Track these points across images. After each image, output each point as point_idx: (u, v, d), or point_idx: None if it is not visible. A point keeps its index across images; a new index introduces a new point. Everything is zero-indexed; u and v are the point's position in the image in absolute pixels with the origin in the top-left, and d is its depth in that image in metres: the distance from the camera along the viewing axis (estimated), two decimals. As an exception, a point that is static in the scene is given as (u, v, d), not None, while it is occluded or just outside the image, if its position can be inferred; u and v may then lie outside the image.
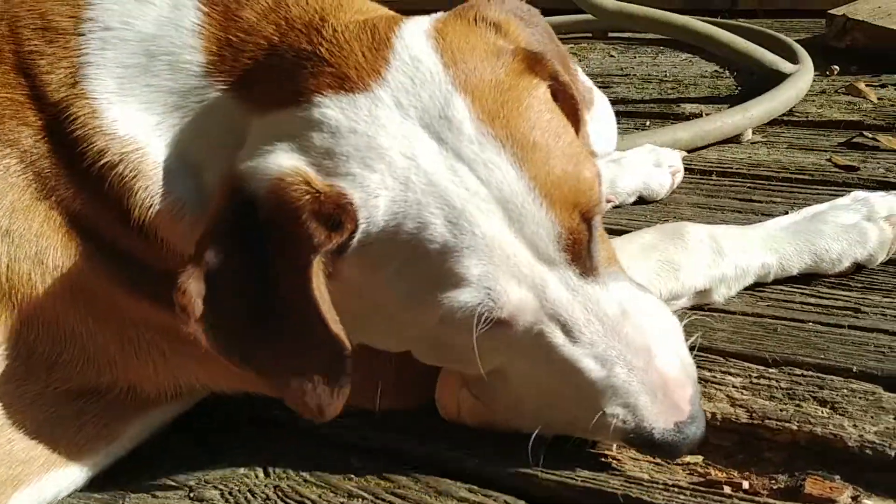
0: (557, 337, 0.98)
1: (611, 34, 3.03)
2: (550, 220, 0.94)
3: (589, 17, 2.77)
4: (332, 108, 0.94)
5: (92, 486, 1.18)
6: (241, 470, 1.18)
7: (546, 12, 3.34)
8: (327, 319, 0.92)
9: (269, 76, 1.00)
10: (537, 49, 1.04)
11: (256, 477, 1.17)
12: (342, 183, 0.92)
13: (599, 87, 2.48)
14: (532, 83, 1.00)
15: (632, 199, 1.76)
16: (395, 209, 0.92)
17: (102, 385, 1.14)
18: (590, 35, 3.05)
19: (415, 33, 1.00)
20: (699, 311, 1.36)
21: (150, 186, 1.02)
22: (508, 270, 0.93)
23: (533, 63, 1.01)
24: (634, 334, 0.99)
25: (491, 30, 1.02)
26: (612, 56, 2.83)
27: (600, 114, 1.17)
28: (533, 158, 0.94)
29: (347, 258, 0.94)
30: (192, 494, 1.15)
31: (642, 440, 1.00)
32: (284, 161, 0.92)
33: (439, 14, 1.04)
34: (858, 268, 1.42)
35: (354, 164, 0.92)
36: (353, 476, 1.14)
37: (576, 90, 1.07)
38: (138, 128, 1.03)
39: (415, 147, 0.93)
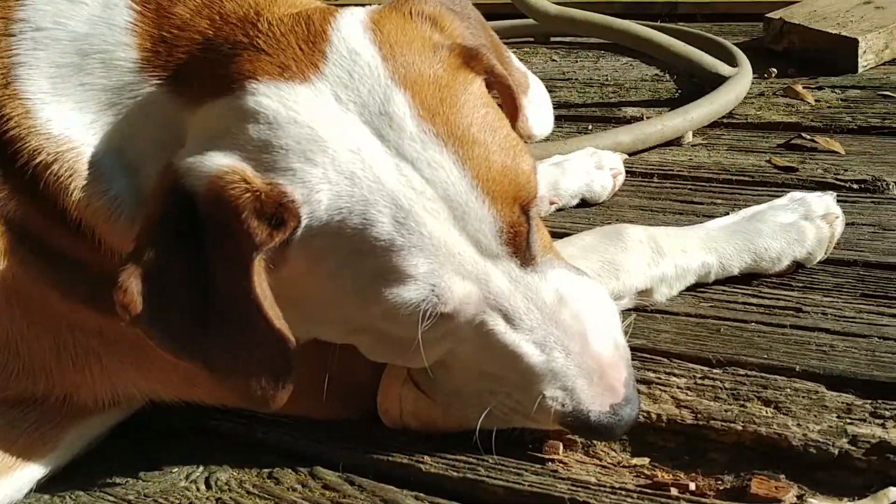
0: (499, 325, 0.99)
1: (552, 39, 3.03)
2: (492, 215, 0.95)
3: (531, 21, 2.78)
4: (269, 98, 0.93)
5: (27, 500, 1.15)
6: (182, 483, 1.16)
7: (488, 17, 3.32)
8: (270, 316, 0.92)
9: (203, 69, 0.98)
10: (472, 43, 1.04)
11: (198, 490, 1.14)
12: (282, 179, 0.90)
13: (542, 91, 2.49)
14: (468, 78, 1.00)
15: (575, 202, 1.76)
16: (340, 204, 0.91)
17: (38, 393, 1.11)
18: (531, 39, 3.06)
19: (352, 25, 0.98)
20: (643, 313, 1.37)
21: (86, 185, 1.00)
22: (453, 267, 0.94)
23: (469, 58, 1.01)
24: (571, 321, 1.01)
25: (427, 23, 1.02)
26: (553, 60, 2.84)
27: (537, 98, 1.18)
28: (474, 155, 0.94)
29: (291, 250, 0.93)
30: (130, 509, 1.12)
31: (579, 423, 1.02)
32: (222, 159, 0.91)
33: (374, 6, 1.03)
34: (798, 267, 1.44)
35: (294, 157, 0.91)
36: (296, 487, 1.12)
37: (511, 79, 1.08)
38: (73, 127, 1.01)
39: (359, 142, 0.92)
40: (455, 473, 1.10)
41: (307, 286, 0.98)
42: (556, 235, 1.50)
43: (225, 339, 0.93)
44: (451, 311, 0.96)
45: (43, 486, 1.16)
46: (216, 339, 0.93)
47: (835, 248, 1.46)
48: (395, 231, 0.92)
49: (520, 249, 0.99)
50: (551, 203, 1.74)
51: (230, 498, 1.12)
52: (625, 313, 1.12)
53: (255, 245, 0.89)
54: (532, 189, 0.99)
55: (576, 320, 1.02)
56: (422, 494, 1.08)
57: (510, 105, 1.09)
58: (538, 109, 1.16)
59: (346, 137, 0.92)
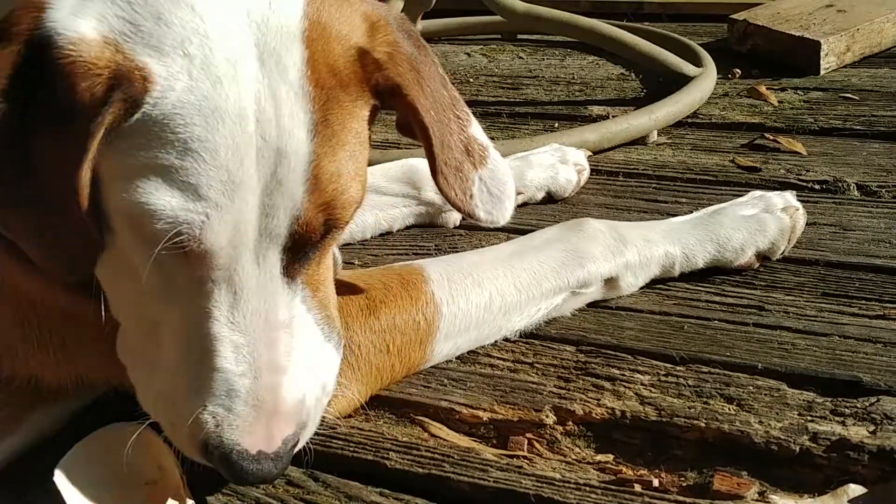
0: (221, 306, 0.91)
1: (520, 36, 3.04)
2: (302, 200, 0.91)
3: (498, 18, 2.78)
4: None
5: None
6: (144, 478, 1.14)
7: (456, 13, 3.33)
8: (84, 205, 0.86)
9: None
10: (399, 76, 0.99)
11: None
12: (147, 58, 0.85)
13: (509, 89, 2.50)
14: (362, 97, 0.96)
15: (540, 195, 1.77)
16: (190, 100, 0.86)
17: (2, 377, 1.10)
18: (499, 37, 3.06)
19: None
20: (608, 309, 1.38)
21: None
22: (234, 218, 0.88)
23: (384, 85, 0.97)
24: (282, 352, 0.94)
25: (362, 20, 0.98)
26: (521, 58, 2.84)
27: (496, 182, 1.08)
28: (327, 141, 0.91)
29: (117, 137, 0.87)
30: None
31: (220, 451, 0.92)
32: (88, 27, 0.85)
33: None
34: (764, 260, 1.46)
35: (170, 39, 0.86)
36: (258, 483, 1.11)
37: (433, 129, 1.01)
38: None
39: (240, 57, 0.88)
40: (420, 469, 1.10)
41: (112, 170, 0.89)
42: (524, 232, 1.50)
43: (39, 210, 0.88)
44: (198, 253, 0.88)
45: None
46: (32, 207, 0.88)
47: (796, 247, 1.48)
48: (225, 146, 0.86)
49: (296, 252, 0.94)
50: (518, 193, 1.74)
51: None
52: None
53: (95, 123, 0.83)
54: (343, 218, 0.95)
55: (286, 355, 0.94)
56: (387, 491, 1.08)
57: (428, 153, 1.03)
58: (491, 195, 1.07)
59: (230, 45, 0.88)
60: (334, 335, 1.02)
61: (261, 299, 0.93)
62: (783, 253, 1.47)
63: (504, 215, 1.08)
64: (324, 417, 1.03)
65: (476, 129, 1.09)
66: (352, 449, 1.14)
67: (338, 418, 1.15)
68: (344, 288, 1.19)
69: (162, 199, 0.86)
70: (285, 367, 0.94)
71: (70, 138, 0.84)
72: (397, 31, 1.01)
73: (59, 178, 0.85)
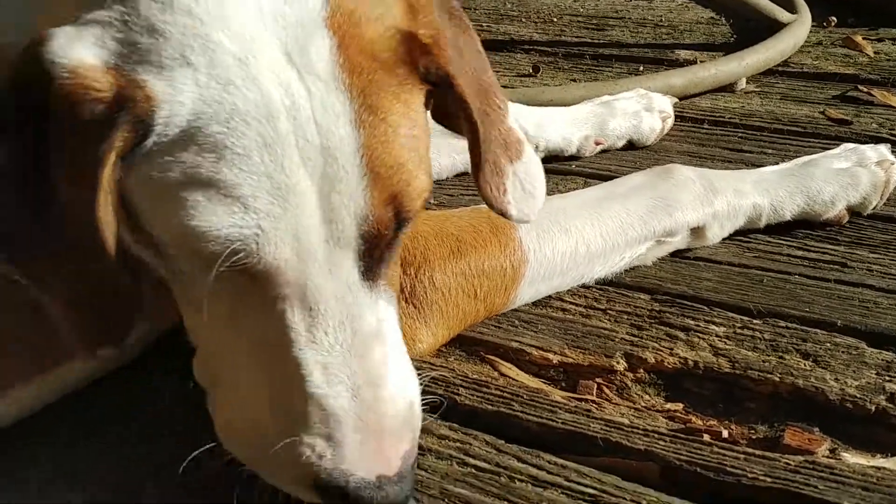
0: (298, 326, 0.84)
1: (607, -25, 2.98)
2: (365, 197, 0.83)
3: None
4: None
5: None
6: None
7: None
8: (108, 243, 0.79)
9: None
10: (450, 69, 0.90)
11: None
12: (147, 75, 0.78)
13: (594, 30, 2.46)
14: (410, 84, 0.87)
15: (621, 143, 1.75)
16: (204, 109, 0.79)
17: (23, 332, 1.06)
18: (586, -24, 3.00)
19: None
20: (686, 259, 1.36)
21: None
22: (292, 227, 0.81)
23: (434, 74, 0.89)
24: (378, 361, 0.87)
25: (397, 1, 0.89)
26: (607, -2, 2.79)
27: (529, 178, 1.00)
28: (376, 130, 0.83)
29: (137, 164, 0.80)
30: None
31: (332, 484, 0.84)
32: (87, 53, 0.79)
33: None
34: (853, 215, 1.43)
35: (170, 50, 0.79)
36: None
37: (480, 120, 0.93)
38: None
39: (257, 54, 0.80)
40: (489, 407, 1.11)
41: (144, 210, 0.84)
42: (602, 178, 1.49)
43: (60, 257, 0.82)
44: (260, 272, 0.82)
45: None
46: (51, 254, 0.82)
47: (885, 204, 1.45)
48: (257, 149, 0.79)
49: (372, 254, 0.86)
50: (597, 143, 1.72)
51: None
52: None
53: (100, 157, 0.77)
54: (415, 207, 0.86)
55: (382, 363, 0.87)
56: (455, 425, 1.09)
57: (473, 149, 0.95)
58: (524, 191, 1.00)
59: (242, 45, 0.80)
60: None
61: (342, 311, 0.85)
62: (874, 208, 1.43)
63: (535, 212, 1.01)
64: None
65: (512, 118, 1.00)
66: (422, 383, 1.15)
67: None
68: (435, 229, 1.20)
69: (206, 216, 0.79)
70: (384, 376, 0.87)
71: (82, 171, 0.78)
72: (438, 9, 0.92)
73: (82, 215, 0.78)
